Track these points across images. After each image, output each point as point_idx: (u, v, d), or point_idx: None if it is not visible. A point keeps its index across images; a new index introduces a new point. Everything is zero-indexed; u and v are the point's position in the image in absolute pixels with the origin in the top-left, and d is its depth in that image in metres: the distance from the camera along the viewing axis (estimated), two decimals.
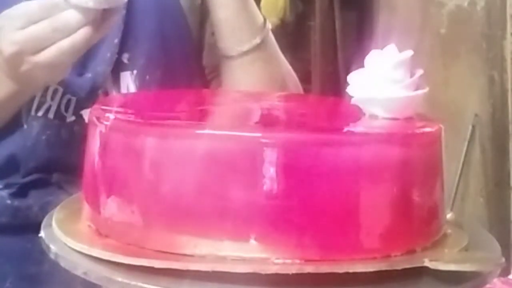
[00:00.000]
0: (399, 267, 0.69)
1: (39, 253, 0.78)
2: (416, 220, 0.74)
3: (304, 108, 0.94)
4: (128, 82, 1.08)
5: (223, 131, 0.73)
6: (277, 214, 0.69)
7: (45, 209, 0.85)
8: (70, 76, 1.02)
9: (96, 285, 0.72)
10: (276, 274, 0.67)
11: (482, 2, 2.49)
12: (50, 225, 0.79)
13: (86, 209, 0.79)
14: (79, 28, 0.90)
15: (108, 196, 0.75)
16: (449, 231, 0.79)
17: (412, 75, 0.78)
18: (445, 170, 0.78)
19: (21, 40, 0.91)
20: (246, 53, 1.09)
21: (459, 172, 2.53)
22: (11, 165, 1.06)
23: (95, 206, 0.77)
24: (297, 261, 0.69)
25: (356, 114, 0.79)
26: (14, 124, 1.06)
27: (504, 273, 1.12)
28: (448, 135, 0.79)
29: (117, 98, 1.03)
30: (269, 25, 1.11)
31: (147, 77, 1.08)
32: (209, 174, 0.70)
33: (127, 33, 1.08)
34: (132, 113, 0.80)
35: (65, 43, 0.91)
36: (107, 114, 0.78)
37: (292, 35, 3.21)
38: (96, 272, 0.71)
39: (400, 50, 0.79)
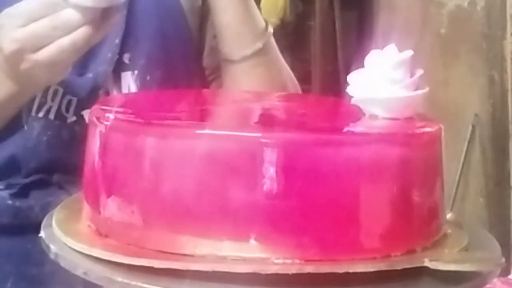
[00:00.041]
0: (399, 267, 0.69)
1: (40, 253, 0.78)
2: (416, 220, 0.74)
3: (304, 108, 0.94)
4: (129, 82, 1.08)
5: (223, 131, 0.73)
6: (277, 214, 0.69)
7: (46, 210, 0.85)
8: (70, 76, 1.02)
9: (96, 285, 0.72)
10: (276, 274, 0.67)
11: (482, 2, 2.49)
12: (50, 225, 0.79)
13: (86, 209, 0.79)
14: (79, 27, 0.90)
15: (108, 196, 0.75)
16: (449, 231, 0.79)
17: (412, 75, 0.78)
18: (445, 170, 0.78)
19: (21, 38, 0.91)
20: (248, 57, 1.09)
21: (459, 172, 2.53)
22: (12, 166, 1.06)
23: (95, 206, 0.77)
24: (297, 261, 0.69)
25: (356, 114, 0.79)
26: (15, 125, 1.05)
27: (504, 273, 1.13)
28: (448, 135, 0.79)
29: (117, 98, 1.03)
30: (271, 29, 1.11)
31: (148, 77, 1.08)
32: (209, 174, 0.70)
33: (128, 33, 1.08)
34: (132, 113, 0.80)
35: (65, 41, 0.91)
36: (107, 114, 0.78)
37: (292, 35, 3.21)
38: (96, 272, 0.71)
39: (400, 50, 0.79)
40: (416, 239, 0.74)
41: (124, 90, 1.08)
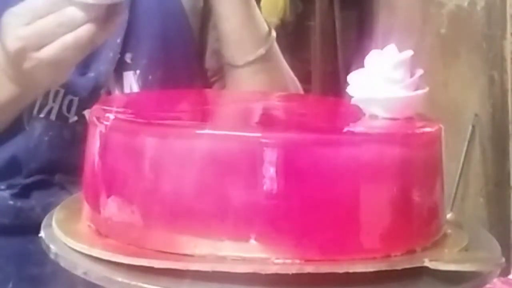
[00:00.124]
0: (399, 267, 0.69)
1: (41, 254, 0.78)
2: (416, 220, 0.74)
3: (304, 108, 0.95)
4: (131, 82, 1.08)
5: (223, 131, 0.73)
6: (277, 214, 0.69)
7: (47, 210, 0.85)
8: (72, 76, 1.02)
9: (96, 285, 0.72)
10: (276, 274, 0.67)
11: (482, 2, 2.49)
12: (50, 225, 0.79)
13: (86, 209, 0.79)
14: (83, 24, 0.91)
15: (108, 196, 0.75)
16: (449, 231, 0.79)
17: (412, 75, 0.78)
18: (445, 170, 0.78)
19: (26, 36, 0.92)
20: (250, 63, 1.09)
21: (459, 172, 2.53)
22: (14, 166, 1.06)
23: (95, 206, 0.77)
24: (297, 261, 0.69)
25: (356, 114, 0.79)
26: (16, 125, 1.05)
27: (504, 273, 1.12)
28: (448, 135, 0.79)
29: (117, 98, 1.03)
30: (274, 34, 1.11)
31: (150, 77, 1.08)
32: (209, 174, 0.70)
33: (130, 33, 1.08)
34: (132, 113, 0.80)
35: (68, 38, 0.91)
36: (107, 114, 0.78)
37: (292, 35, 3.21)
38: (96, 272, 0.71)
39: (400, 50, 0.79)
40: (416, 239, 0.74)
41: (126, 89, 1.08)
